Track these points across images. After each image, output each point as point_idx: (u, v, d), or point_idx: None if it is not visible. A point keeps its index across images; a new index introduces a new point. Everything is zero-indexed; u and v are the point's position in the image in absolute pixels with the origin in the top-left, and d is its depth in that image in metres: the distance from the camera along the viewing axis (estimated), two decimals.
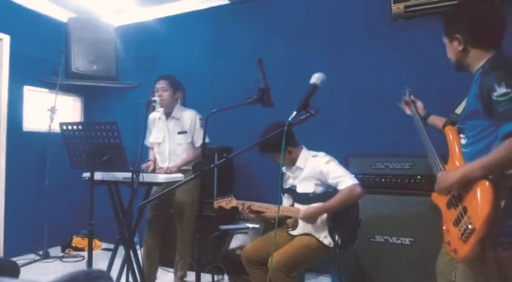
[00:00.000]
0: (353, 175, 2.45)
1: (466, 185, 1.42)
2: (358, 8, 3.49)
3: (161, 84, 3.04)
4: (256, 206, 2.48)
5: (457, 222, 1.45)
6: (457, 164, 1.55)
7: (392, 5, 3.14)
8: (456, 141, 1.60)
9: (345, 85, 3.39)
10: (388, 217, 2.76)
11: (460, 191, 1.46)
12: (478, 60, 1.53)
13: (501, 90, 1.31)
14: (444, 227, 1.56)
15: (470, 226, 1.34)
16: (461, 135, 1.58)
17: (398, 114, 2.41)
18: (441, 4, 2.98)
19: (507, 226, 1.36)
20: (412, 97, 2.06)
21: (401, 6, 3.10)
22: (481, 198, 1.35)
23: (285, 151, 2.45)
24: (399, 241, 2.74)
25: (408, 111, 2.07)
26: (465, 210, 1.42)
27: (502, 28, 1.51)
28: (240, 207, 2.49)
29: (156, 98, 2.97)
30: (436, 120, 1.91)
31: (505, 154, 1.31)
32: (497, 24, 1.51)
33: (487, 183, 1.35)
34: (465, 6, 1.61)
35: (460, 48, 1.54)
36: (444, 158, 1.66)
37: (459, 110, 1.67)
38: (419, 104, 2.04)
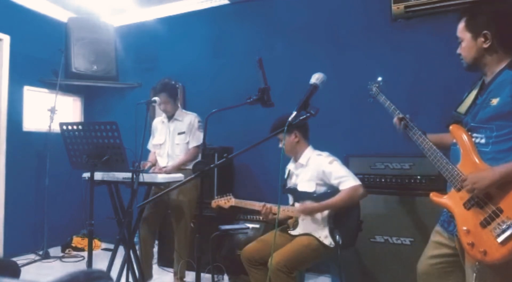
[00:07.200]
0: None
1: (502, 184, 1.37)
2: (358, 8, 3.49)
3: (162, 98, 3.11)
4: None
5: (487, 222, 1.40)
6: (477, 162, 1.48)
7: (392, 5, 3.14)
8: (469, 140, 1.53)
9: (345, 85, 3.39)
10: (388, 217, 2.76)
11: (489, 191, 1.42)
12: (498, 61, 1.50)
13: None
14: (464, 228, 1.46)
15: None
16: (475, 135, 1.52)
17: None
18: (441, 4, 2.98)
19: None
20: (408, 116, 1.81)
21: (401, 6, 3.10)
22: None
23: (292, 136, 2.48)
24: (399, 241, 2.74)
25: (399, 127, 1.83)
26: (500, 210, 1.37)
27: None
28: (263, 210, 2.41)
29: (160, 110, 3.23)
30: (433, 137, 1.75)
31: None
32: None
33: None
34: (493, 3, 1.54)
35: (486, 45, 1.49)
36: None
37: (462, 109, 1.62)
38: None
